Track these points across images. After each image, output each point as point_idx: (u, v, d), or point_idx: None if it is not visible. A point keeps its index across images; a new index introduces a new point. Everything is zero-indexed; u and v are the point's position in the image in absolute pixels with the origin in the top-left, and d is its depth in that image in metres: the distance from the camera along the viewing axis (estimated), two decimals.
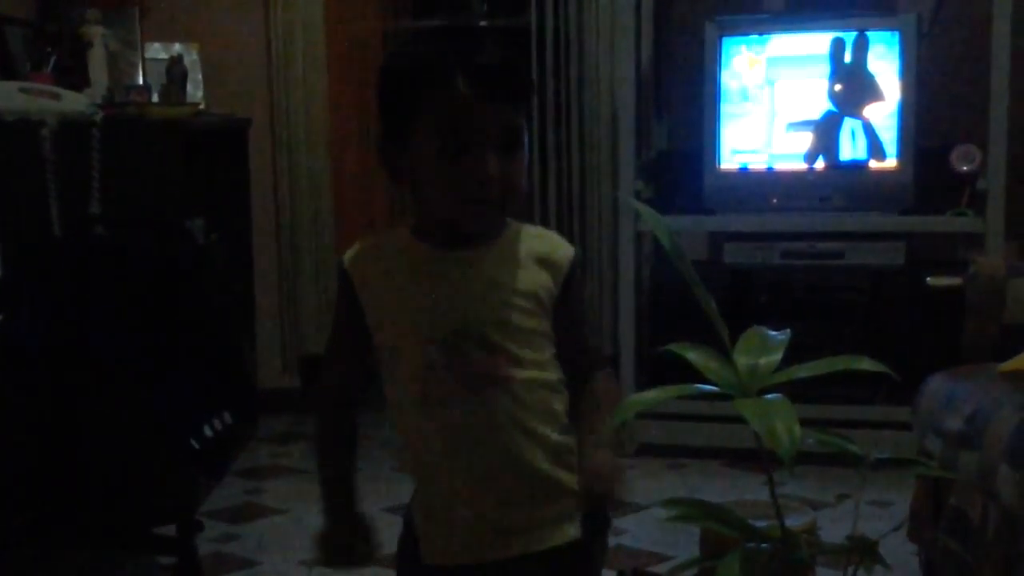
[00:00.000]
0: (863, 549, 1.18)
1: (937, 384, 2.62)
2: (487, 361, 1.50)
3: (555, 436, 1.55)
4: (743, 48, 3.93)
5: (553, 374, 1.56)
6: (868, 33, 3.84)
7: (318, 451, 1.67)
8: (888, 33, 3.81)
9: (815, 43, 3.89)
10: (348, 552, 1.62)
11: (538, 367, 1.54)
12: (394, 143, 1.52)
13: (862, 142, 3.85)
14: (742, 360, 1.16)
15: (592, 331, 1.70)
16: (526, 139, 1.52)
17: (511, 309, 1.52)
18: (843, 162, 3.87)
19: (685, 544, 2.94)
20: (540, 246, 1.57)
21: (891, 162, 3.82)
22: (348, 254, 1.60)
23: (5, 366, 2.83)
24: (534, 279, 1.54)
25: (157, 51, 4.24)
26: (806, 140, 3.89)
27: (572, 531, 1.56)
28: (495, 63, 1.49)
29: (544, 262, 1.55)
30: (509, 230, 1.56)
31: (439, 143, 1.46)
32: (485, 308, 1.51)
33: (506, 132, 1.48)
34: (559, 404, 1.56)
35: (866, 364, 1.16)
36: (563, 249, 1.58)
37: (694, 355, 1.16)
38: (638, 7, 3.99)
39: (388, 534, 1.66)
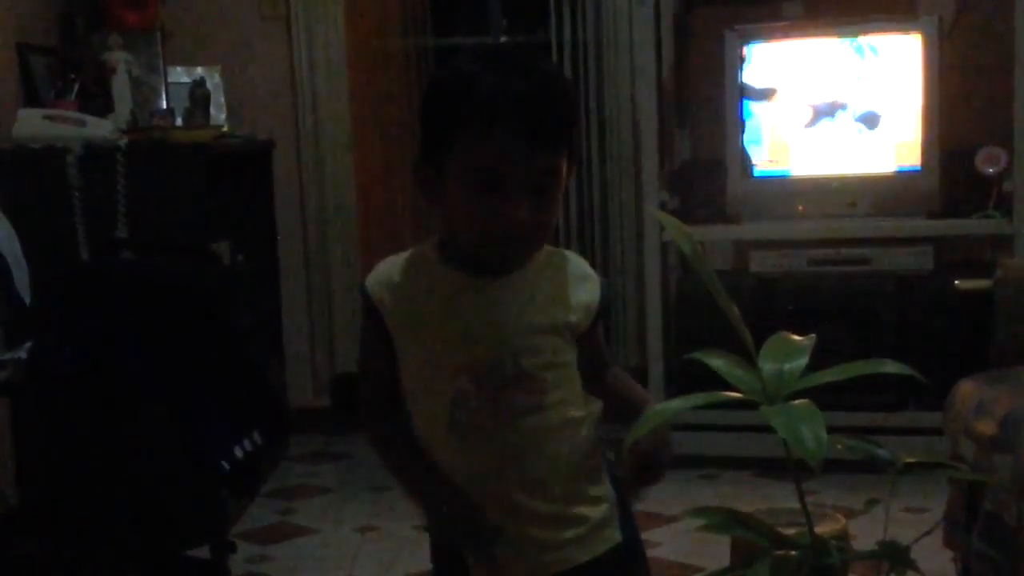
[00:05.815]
0: (895, 555, 1.16)
1: (968, 388, 2.59)
2: (519, 394, 1.48)
3: (582, 471, 1.53)
4: (764, 55, 3.93)
5: (581, 406, 1.54)
6: (889, 37, 3.83)
7: (388, 452, 1.58)
8: (909, 36, 3.80)
9: (836, 49, 3.88)
10: (471, 521, 1.49)
11: (569, 396, 1.52)
12: (430, 163, 1.47)
13: (886, 147, 3.83)
14: (767, 366, 1.14)
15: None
16: (564, 176, 1.46)
17: (545, 339, 1.49)
18: (868, 167, 3.86)
19: (717, 555, 2.92)
20: (572, 273, 1.53)
21: (916, 166, 3.80)
22: (371, 279, 1.55)
23: (34, 391, 2.85)
24: (567, 309, 1.51)
25: (180, 75, 4.27)
26: (830, 146, 3.88)
27: (615, 535, 1.56)
28: (543, 103, 1.42)
29: (577, 292, 1.52)
30: (540, 253, 1.52)
31: (472, 179, 1.41)
32: (519, 339, 1.48)
33: (543, 175, 1.43)
34: (587, 432, 1.55)
35: (890, 367, 1.14)
36: (593, 280, 1.55)
37: (719, 363, 1.15)
38: (657, 17, 3.99)
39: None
